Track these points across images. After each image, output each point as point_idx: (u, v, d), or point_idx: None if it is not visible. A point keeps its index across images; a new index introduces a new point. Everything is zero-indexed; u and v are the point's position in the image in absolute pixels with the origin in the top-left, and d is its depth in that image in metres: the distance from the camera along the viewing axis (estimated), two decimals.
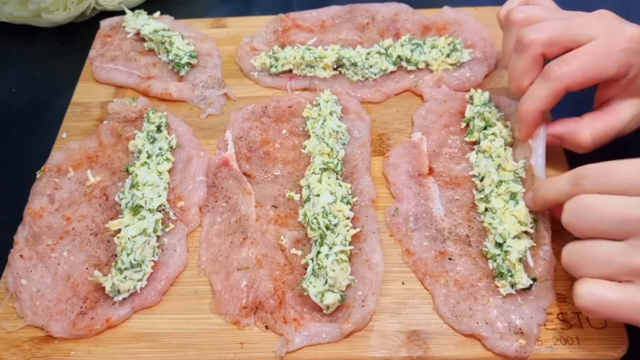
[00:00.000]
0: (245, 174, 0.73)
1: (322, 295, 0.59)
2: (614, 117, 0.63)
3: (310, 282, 0.60)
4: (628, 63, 0.60)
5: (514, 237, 0.62)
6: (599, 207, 0.51)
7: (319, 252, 0.62)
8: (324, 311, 0.60)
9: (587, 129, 0.63)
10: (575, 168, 0.55)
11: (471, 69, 0.82)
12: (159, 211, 0.68)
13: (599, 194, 0.52)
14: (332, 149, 0.71)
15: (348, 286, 0.61)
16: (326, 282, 0.59)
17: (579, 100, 0.69)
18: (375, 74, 0.83)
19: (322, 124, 0.74)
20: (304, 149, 0.74)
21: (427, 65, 0.83)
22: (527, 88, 0.64)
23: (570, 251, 0.53)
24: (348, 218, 0.66)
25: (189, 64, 0.85)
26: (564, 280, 0.62)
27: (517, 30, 0.64)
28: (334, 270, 0.60)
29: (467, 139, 0.74)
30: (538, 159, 0.65)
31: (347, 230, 0.65)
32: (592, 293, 0.50)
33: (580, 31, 0.61)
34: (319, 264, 0.61)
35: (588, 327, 0.59)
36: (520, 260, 0.61)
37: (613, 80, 0.62)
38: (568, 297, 0.61)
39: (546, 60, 0.64)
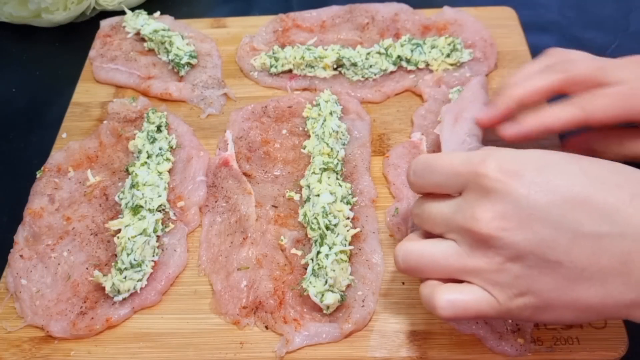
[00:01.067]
0: (245, 174, 0.73)
1: (322, 295, 0.59)
2: None
3: (310, 282, 0.60)
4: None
5: None
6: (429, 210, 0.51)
7: (319, 252, 0.62)
8: (324, 311, 0.60)
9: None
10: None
11: (471, 69, 0.82)
12: (159, 211, 0.68)
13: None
14: (332, 149, 0.71)
15: (348, 286, 0.61)
16: (326, 282, 0.60)
17: None
18: (375, 74, 0.83)
19: (322, 124, 0.74)
20: (304, 149, 0.74)
21: (427, 65, 0.83)
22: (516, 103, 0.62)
23: (408, 253, 0.51)
24: (348, 218, 0.66)
25: (189, 64, 0.85)
26: None
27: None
28: (334, 270, 0.60)
29: None
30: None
31: (347, 230, 0.65)
32: (452, 301, 0.48)
33: (611, 73, 0.59)
34: (319, 264, 0.61)
35: (588, 327, 0.59)
36: None
37: None
38: None
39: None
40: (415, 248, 0.50)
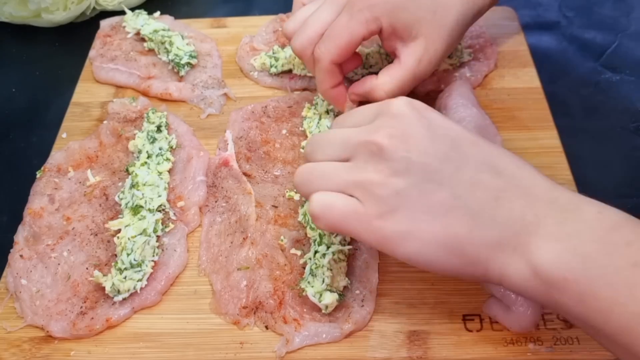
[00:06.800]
0: (245, 174, 0.73)
1: (321, 295, 0.59)
2: (401, 68, 0.67)
3: (309, 282, 0.60)
4: (372, 18, 0.64)
5: None
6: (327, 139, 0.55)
7: (316, 252, 0.62)
8: (323, 311, 0.60)
9: (380, 89, 0.68)
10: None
11: (471, 69, 0.82)
12: (159, 211, 0.68)
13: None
14: None
15: (347, 286, 0.61)
16: (323, 281, 0.59)
17: None
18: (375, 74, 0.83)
19: (318, 123, 0.74)
20: (303, 148, 0.74)
21: None
22: (330, 91, 0.70)
23: (302, 170, 0.55)
24: None
25: (189, 64, 0.85)
26: None
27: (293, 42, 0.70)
28: (330, 270, 0.60)
29: None
30: None
31: None
32: (322, 199, 0.52)
33: (328, 18, 0.66)
34: (316, 264, 0.61)
35: None
36: None
37: (379, 34, 0.67)
38: None
39: None
40: (309, 166, 0.54)
